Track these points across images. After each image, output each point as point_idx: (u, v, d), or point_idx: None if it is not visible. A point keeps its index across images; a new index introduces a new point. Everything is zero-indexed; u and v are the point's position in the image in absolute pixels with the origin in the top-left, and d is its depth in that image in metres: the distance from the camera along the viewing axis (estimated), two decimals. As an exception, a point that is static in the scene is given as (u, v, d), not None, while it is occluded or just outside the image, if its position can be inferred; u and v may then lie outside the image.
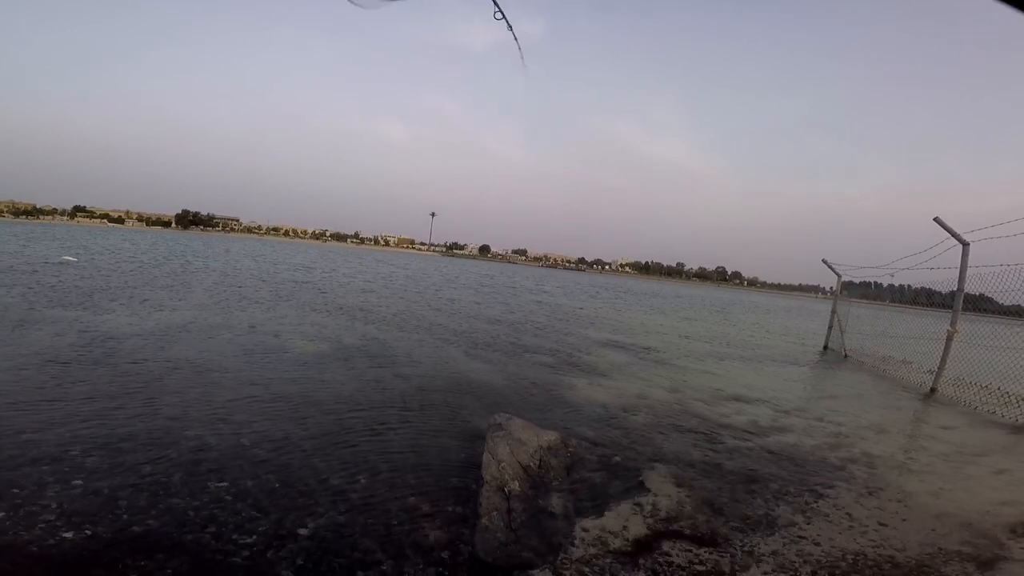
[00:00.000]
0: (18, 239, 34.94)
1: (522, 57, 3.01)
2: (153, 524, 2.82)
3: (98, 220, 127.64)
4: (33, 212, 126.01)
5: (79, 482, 3.19)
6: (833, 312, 14.70)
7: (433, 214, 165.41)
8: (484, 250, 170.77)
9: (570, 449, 4.66)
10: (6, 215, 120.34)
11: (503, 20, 2.37)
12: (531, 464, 4.17)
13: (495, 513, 3.31)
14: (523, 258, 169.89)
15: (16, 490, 3.02)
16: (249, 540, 2.74)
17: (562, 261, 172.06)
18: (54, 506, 2.89)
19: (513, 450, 4.26)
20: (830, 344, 14.66)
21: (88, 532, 2.68)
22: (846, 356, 13.04)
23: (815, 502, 3.73)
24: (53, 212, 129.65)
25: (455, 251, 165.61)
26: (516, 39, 2.66)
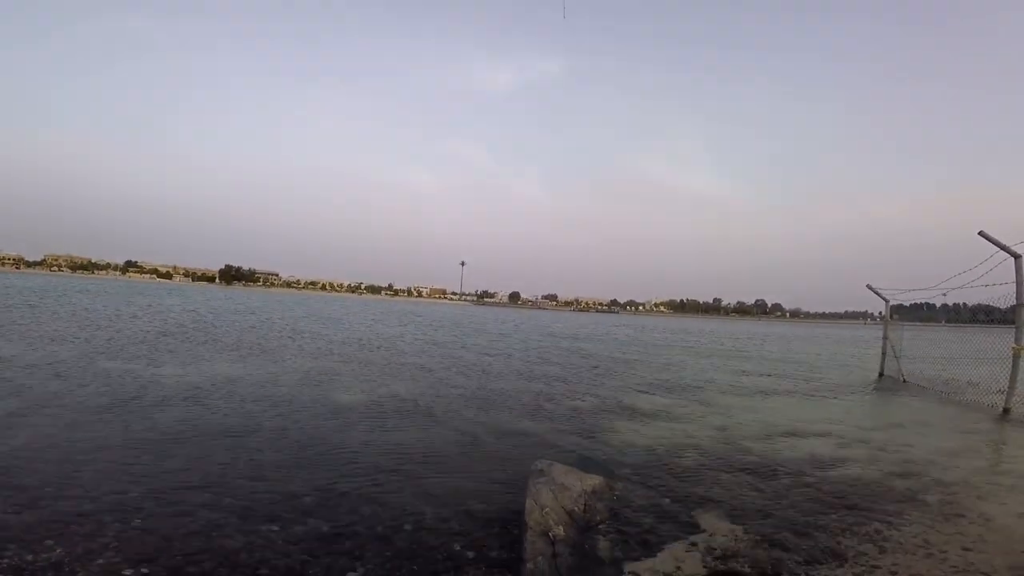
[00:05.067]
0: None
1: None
2: (207, 566, 2.87)
3: (148, 275, 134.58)
4: (88, 267, 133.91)
5: (138, 522, 3.31)
6: (885, 338, 14.03)
7: (463, 263, 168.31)
8: (514, 297, 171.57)
9: (616, 492, 4.51)
10: (64, 269, 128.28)
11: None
12: (575, 508, 4.05)
13: (540, 558, 3.21)
14: (553, 303, 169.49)
15: (76, 527, 3.15)
16: (298, 587, 2.74)
17: (594, 304, 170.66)
18: (113, 544, 2.99)
19: (556, 495, 4.16)
20: (885, 371, 13.89)
21: (145, 571, 2.75)
22: (904, 381, 12.29)
23: (887, 531, 3.46)
24: (107, 267, 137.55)
25: (486, 299, 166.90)
26: None
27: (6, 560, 2.72)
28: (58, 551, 2.86)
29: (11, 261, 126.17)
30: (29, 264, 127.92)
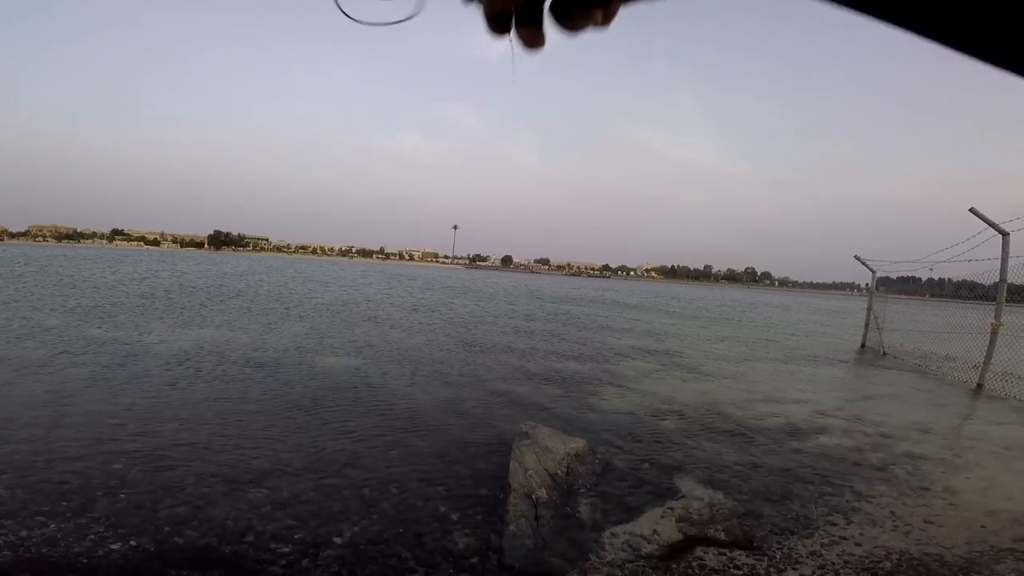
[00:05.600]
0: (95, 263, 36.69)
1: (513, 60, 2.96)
2: (193, 535, 2.93)
3: (135, 243, 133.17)
4: (74, 236, 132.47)
5: (124, 494, 3.36)
6: (869, 309, 14.25)
7: (455, 227, 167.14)
8: (506, 261, 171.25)
9: (598, 456, 4.64)
10: (49, 239, 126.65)
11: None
12: (558, 471, 4.17)
13: (523, 520, 3.32)
14: (546, 267, 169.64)
15: (65, 503, 3.19)
16: (286, 549, 2.83)
17: (586, 269, 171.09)
18: (102, 519, 3.04)
19: (540, 458, 4.27)
20: (867, 342, 14.19)
21: (133, 543, 2.81)
22: (884, 354, 12.59)
23: (856, 503, 3.61)
24: (93, 236, 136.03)
25: (478, 263, 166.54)
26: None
27: (2, 537, 2.77)
28: (51, 527, 2.90)
29: None
30: (13, 235, 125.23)
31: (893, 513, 3.44)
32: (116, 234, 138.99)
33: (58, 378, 6.19)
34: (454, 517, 3.31)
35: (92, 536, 2.85)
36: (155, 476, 3.64)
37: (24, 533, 2.82)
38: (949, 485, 4.04)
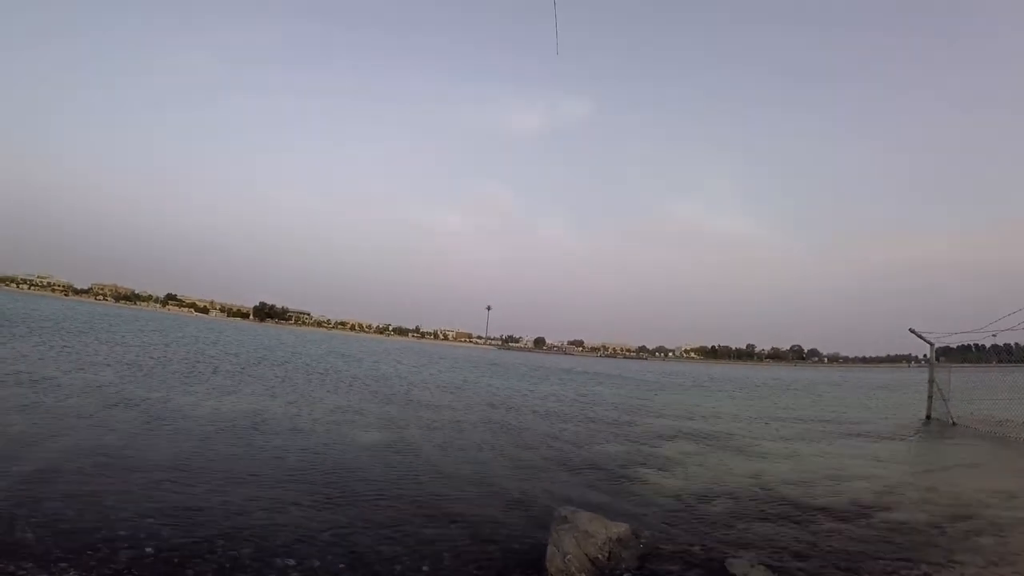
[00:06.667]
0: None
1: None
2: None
3: (187, 308, 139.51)
4: (131, 297, 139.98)
5: (151, 549, 3.32)
6: (931, 381, 13.43)
7: (489, 307, 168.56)
8: (539, 342, 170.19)
9: (642, 541, 4.30)
10: (109, 298, 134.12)
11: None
12: (599, 556, 3.90)
13: (562, 606, 3.05)
14: (579, 348, 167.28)
15: (91, 552, 3.17)
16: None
17: (621, 350, 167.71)
18: (125, 571, 3.00)
19: (579, 542, 4.01)
20: (933, 413, 13.17)
21: None
22: (954, 424, 11.62)
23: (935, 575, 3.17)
24: (149, 299, 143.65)
25: (510, 344, 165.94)
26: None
27: None
28: (71, 574, 2.91)
29: (60, 288, 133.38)
30: (77, 291, 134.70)
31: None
32: (169, 298, 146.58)
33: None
34: (488, 602, 3.07)
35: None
36: (182, 536, 3.60)
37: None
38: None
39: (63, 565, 2.97)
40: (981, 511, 4.76)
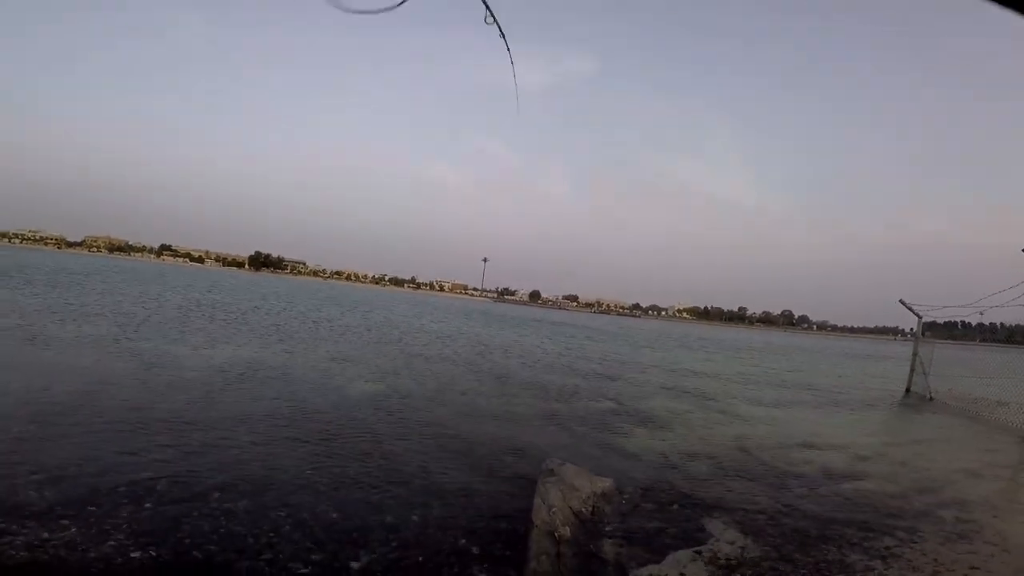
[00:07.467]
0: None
1: (516, 84, 2.90)
2: (213, 549, 2.96)
3: (181, 259, 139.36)
4: (125, 248, 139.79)
5: (150, 504, 3.43)
6: (915, 354, 13.63)
7: (485, 260, 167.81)
8: (534, 296, 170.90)
9: (625, 496, 4.49)
10: (103, 250, 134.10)
11: (495, 25, 2.19)
12: (583, 510, 4.05)
13: (544, 557, 3.22)
14: (574, 304, 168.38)
15: (92, 508, 3.28)
16: (303, 570, 2.82)
17: (615, 307, 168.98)
18: (125, 526, 3.10)
19: (565, 495, 4.16)
20: (913, 387, 13.50)
21: (153, 553, 2.85)
22: (931, 399, 11.94)
23: (896, 547, 3.37)
24: (143, 249, 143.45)
25: (506, 297, 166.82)
26: (508, 49, 2.49)
27: (22, 537, 2.83)
28: (72, 530, 2.97)
29: (53, 241, 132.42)
30: (70, 244, 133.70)
31: (936, 559, 3.20)
32: (164, 249, 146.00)
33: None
34: (474, 550, 3.25)
35: (112, 543, 2.90)
36: (180, 489, 3.71)
37: (45, 535, 2.89)
38: (1000, 530, 3.74)
39: (64, 522, 3.04)
40: (946, 486, 4.98)
